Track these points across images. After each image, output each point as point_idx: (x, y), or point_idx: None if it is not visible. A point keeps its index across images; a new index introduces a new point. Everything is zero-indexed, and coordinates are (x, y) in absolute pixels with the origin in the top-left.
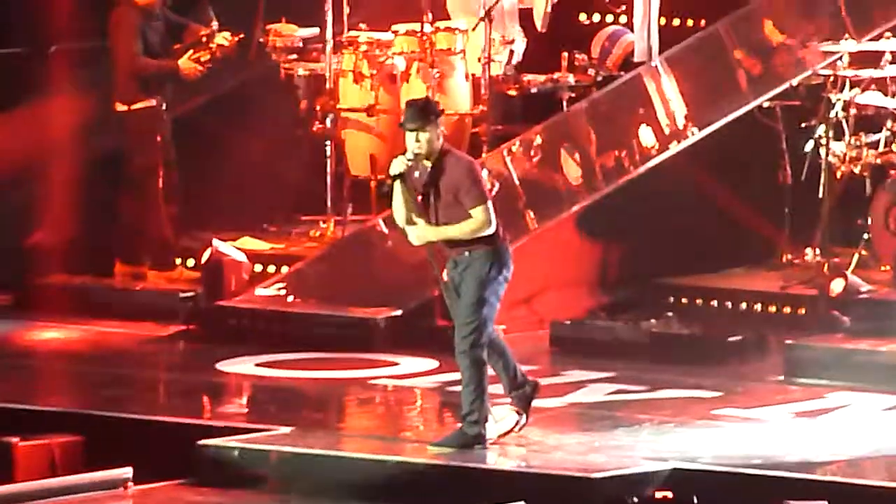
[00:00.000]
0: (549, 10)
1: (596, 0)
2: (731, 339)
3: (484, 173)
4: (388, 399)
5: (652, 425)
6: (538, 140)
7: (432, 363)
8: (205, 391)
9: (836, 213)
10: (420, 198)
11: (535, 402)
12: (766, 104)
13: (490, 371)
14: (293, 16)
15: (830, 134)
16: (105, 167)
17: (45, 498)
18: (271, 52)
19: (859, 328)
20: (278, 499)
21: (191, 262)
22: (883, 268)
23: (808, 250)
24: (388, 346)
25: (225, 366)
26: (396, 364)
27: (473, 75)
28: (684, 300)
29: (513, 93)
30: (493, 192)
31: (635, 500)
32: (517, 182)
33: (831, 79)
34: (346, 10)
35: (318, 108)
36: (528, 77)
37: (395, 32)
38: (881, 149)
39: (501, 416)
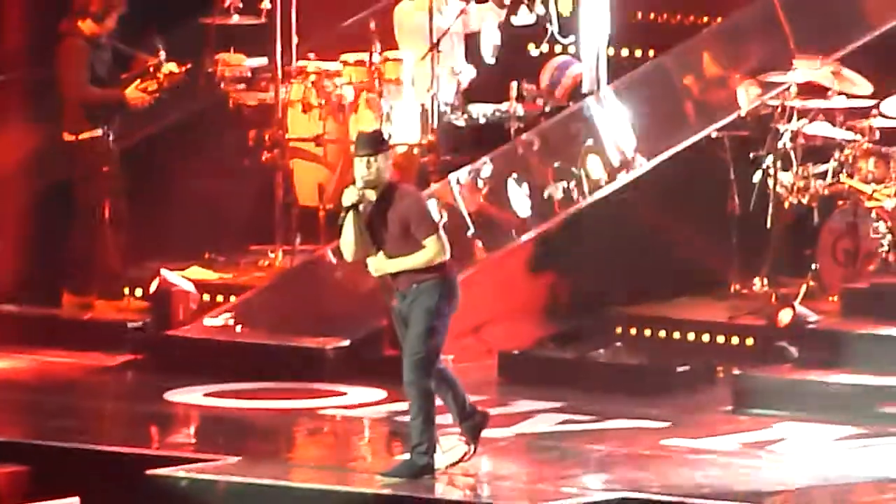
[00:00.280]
0: (498, 42)
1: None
2: (679, 369)
3: (433, 203)
4: (336, 429)
5: (600, 455)
6: (486, 170)
7: (381, 393)
8: (153, 421)
9: (783, 244)
10: (369, 231)
11: (484, 433)
12: (714, 134)
13: (439, 401)
14: (241, 45)
15: (778, 164)
16: (53, 197)
17: None
18: (220, 81)
19: (807, 359)
20: None
21: (139, 292)
22: (831, 298)
23: (756, 280)
24: (336, 375)
25: (173, 396)
26: (345, 394)
27: (422, 105)
28: (632, 330)
29: (461, 123)
30: (442, 223)
31: None
32: (465, 212)
33: (779, 109)
34: (295, 39)
35: (266, 137)
36: (475, 107)
37: (344, 62)
38: (829, 179)
39: (450, 446)
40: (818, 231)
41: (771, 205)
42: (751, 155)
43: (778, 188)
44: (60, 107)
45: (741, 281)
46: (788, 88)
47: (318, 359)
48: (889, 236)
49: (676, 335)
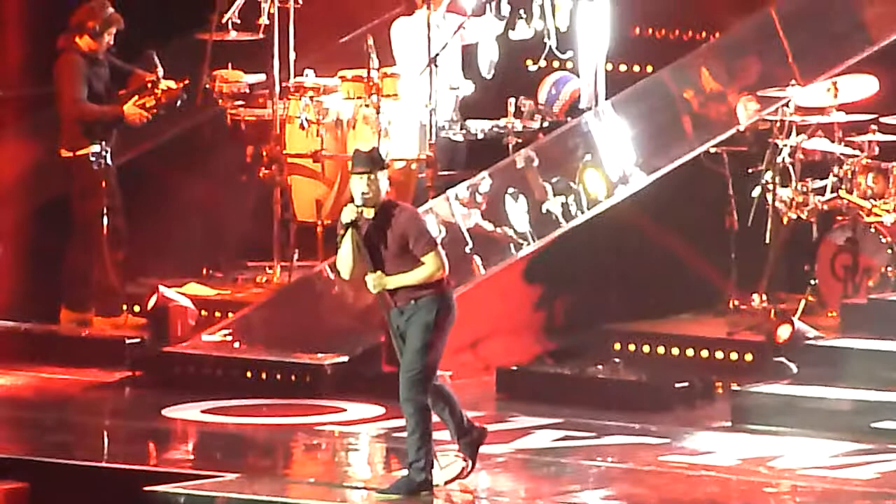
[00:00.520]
0: (495, 57)
1: None
2: (677, 385)
3: (431, 219)
4: (334, 445)
5: (599, 471)
6: (484, 186)
7: (379, 409)
8: (151, 437)
9: (782, 259)
10: (367, 249)
11: (482, 449)
12: (712, 149)
13: (436, 418)
14: (239, 62)
15: (777, 179)
16: (51, 213)
17: None
18: (218, 97)
19: (806, 374)
20: None
21: (137, 309)
22: (830, 314)
23: (755, 296)
24: (334, 392)
25: (171, 412)
26: (343, 410)
27: (420, 121)
28: (631, 346)
29: (459, 139)
30: (440, 238)
31: None
32: (463, 228)
33: (778, 124)
34: (293, 55)
35: (264, 153)
36: (473, 123)
37: (342, 78)
38: (828, 195)
39: (448, 462)
40: (817, 246)
41: (770, 220)
42: (749, 170)
43: (777, 203)
44: (58, 123)
45: (740, 296)
46: (787, 104)
47: (316, 375)
48: (888, 252)
49: (675, 351)
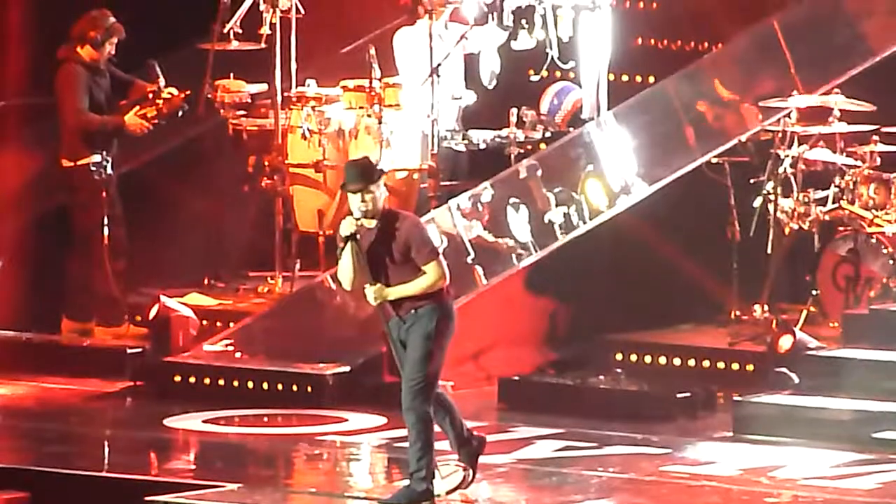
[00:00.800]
0: (497, 67)
1: None
2: (679, 395)
3: (433, 229)
4: (336, 455)
5: (600, 482)
6: (486, 196)
7: (380, 419)
8: (152, 447)
9: (784, 270)
10: (368, 259)
11: (484, 459)
12: (714, 160)
13: (436, 427)
14: (241, 71)
15: (779, 190)
16: (52, 223)
17: None
18: (219, 107)
19: (808, 385)
20: None
21: (138, 318)
22: (831, 324)
23: (757, 307)
24: (336, 402)
25: (172, 422)
26: (345, 420)
27: (422, 131)
28: (632, 356)
29: (461, 149)
30: (442, 248)
31: None
32: (465, 238)
33: (780, 135)
34: (295, 65)
35: (266, 163)
36: (475, 133)
37: (344, 88)
38: (829, 205)
39: (448, 472)
40: (819, 257)
41: (771, 230)
42: (751, 180)
43: (778, 214)
44: (59, 133)
45: (741, 307)
46: (789, 114)
47: (318, 385)
48: (890, 262)
49: (676, 361)
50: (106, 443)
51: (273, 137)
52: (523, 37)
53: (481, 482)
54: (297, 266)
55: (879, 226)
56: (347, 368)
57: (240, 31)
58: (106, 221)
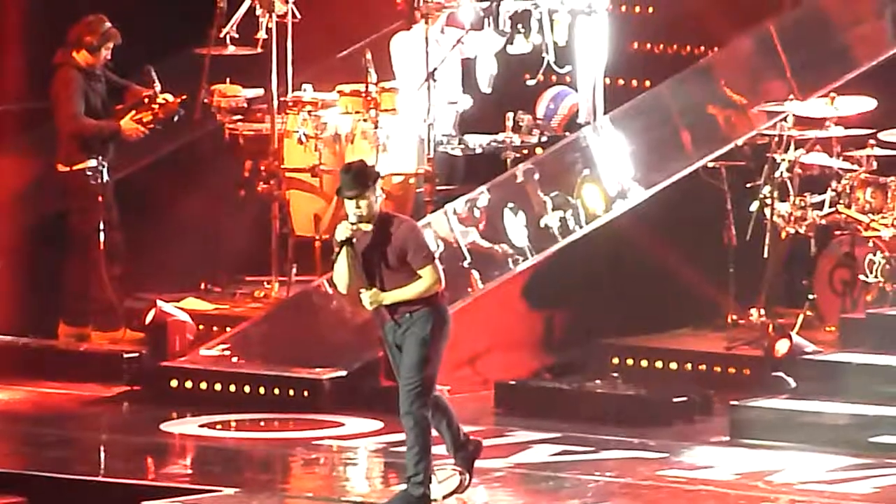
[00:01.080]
0: (494, 71)
1: None
2: (675, 399)
3: (429, 234)
4: (332, 460)
5: (597, 486)
6: (483, 200)
7: (377, 424)
8: (149, 452)
9: (780, 274)
10: (363, 263)
11: (481, 463)
12: (711, 164)
13: (433, 432)
14: (237, 76)
15: (775, 194)
16: (48, 228)
17: None
18: (216, 112)
19: (804, 389)
20: None
21: (135, 323)
22: (828, 328)
23: (753, 311)
24: (332, 406)
25: (169, 426)
26: (341, 425)
27: (419, 136)
28: (629, 361)
29: (457, 153)
30: (438, 253)
31: None
32: (461, 243)
33: (776, 139)
34: (291, 70)
35: (262, 168)
36: (471, 137)
37: (340, 93)
38: (826, 209)
39: (445, 476)
40: (815, 261)
41: (768, 235)
42: (748, 185)
43: (775, 218)
44: (55, 138)
45: (738, 311)
46: (785, 118)
47: (315, 389)
48: (886, 266)
49: (673, 365)
50: (103, 447)
51: (269, 142)
52: (519, 41)
53: (478, 486)
54: (294, 271)
55: (876, 230)
56: (344, 373)
57: (236, 35)
58: (102, 226)
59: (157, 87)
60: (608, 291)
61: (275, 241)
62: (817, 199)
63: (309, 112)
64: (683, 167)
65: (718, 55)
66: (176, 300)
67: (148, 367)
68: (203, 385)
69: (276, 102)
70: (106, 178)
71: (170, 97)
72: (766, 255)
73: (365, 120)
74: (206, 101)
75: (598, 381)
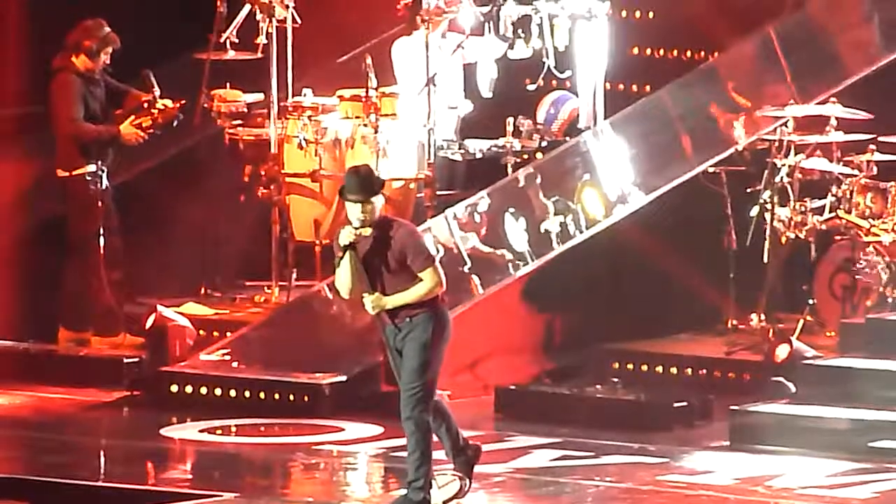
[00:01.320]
0: (495, 76)
1: None
2: (676, 404)
3: (429, 239)
4: (333, 465)
5: (597, 491)
6: (483, 205)
7: (377, 429)
8: (149, 457)
9: (781, 279)
10: (364, 267)
11: (481, 468)
12: (711, 169)
13: (433, 436)
14: (238, 81)
15: (775, 199)
16: (48, 233)
17: None
18: (216, 117)
19: (804, 394)
20: None
21: (135, 328)
22: (828, 333)
23: (753, 316)
24: (332, 411)
25: (169, 431)
26: (341, 430)
27: (419, 141)
28: (629, 366)
29: (457, 158)
30: (438, 257)
31: None
32: (462, 247)
33: (776, 144)
34: (291, 75)
35: (262, 173)
36: (472, 142)
37: (341, 97)
38: (826, 214)
39: (445, 481)
40: (815, 266)
41: (768, 240)
42: (748, 189)
43: (775, 223)
44: (54, 142)
45: (738, 316)
46: (786, 123)
47: (315, 394)
48: (887, 271)
49: (673, 370)
50: (103, 452)
51: (269, 147)
52: (520, 46)
53: (478, 491)
54: (294, 276)
55: (876, 235)
56: (344, 378)
57: (236, 40)
58: (102, 231)
59: (157, 91)
60: (608, 296)
61: (275, 245)
62: (817, 203)
63: (309, 117)
64: (683, 172)
65: (718, 60)
66: (176, 305)
67: (148, 371)
68: (203, 390)
69: (276, 107)
70: (105, 182)
71: (169, 102)
72: (766, 260)
73: (365, 125)
74: (206, 105)
75: (598, 386)
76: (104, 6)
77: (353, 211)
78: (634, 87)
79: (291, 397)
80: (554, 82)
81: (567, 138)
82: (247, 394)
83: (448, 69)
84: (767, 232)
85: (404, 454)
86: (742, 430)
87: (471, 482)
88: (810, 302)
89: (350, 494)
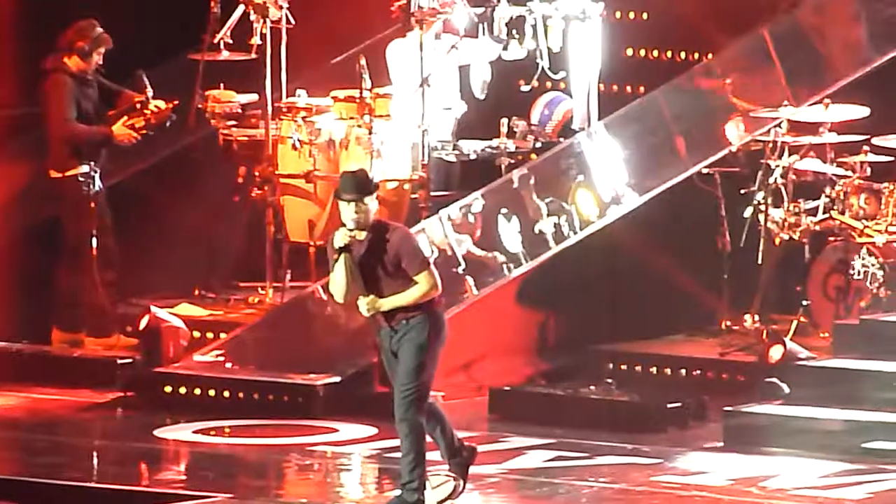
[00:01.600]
0: (488, 78)
1: None
2: (670, 405)
3: (423, 240)
4: (326, 466)
5: (592, 492)
6: (477, 206)
7: (371, 430)
8: (143, 458)
9: (774, 280)
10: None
11: (475, 469)
12: (705, 170)
13: (427, 438)
14: (232, 82)
15: (769, 200)
16: (41, 234)
17: None
18: (210, 118)
19: (798, 395)
20: None
21: (129, 329)
22: (822, 334)
23: (747, 317)
24: (326, 412)
25: (163, 432)
26: (335, 431)
27: (413, 142)
28: (623, 367)
29: (451, 159)
30: (433, 259)
31: None
32: (456, 248)
33: (770, 145)
34: (285, 76)
35: (256, 174)
36: (466, 143)
37: (335, 98)
38: (820, 215)
39: (439, 482)
40: (809, 267)
41: (762, 241)
42: (742, 191)
43: (769, 224)
44: (47, 143)
45: (732, 317)
46: (780, 124)
47: (309, 395)
48: (880, 272)
49: (667, 371)
50: (96, 453)
51: (263, 148)
52: (514, 47)
53: (472, 492)
54: (288, 277)
55: (870, 236)
56: (338, 379)
57: (230, 41)
58: (95, 232)
59: (150, 92)
60: (602, 297)
61: (269, 246)
62: (811, 205)
63: (303, 118)
64: (677, 173)
65: (712, 61)
66: (170, 306)
67: (142, 372)
68: (197, 391)
69: (270, 108)
70: (98, 183)
71: (162, 103)
72: (760, 262)
73: (359, 126)
74: (200, 106)
75: (592, 387)
76: (97, 6)
77: (348, 211)
78: (628, 89)
79: (285, 398)
80: (548, 83)
81: (561, 139)
82: (240, 395)
83: (443, 70)
84: (761, 233)
85: (398, 455)
86: (736, 431)
87: (465, 483)
88: (804, 303)
89: (344, 495)
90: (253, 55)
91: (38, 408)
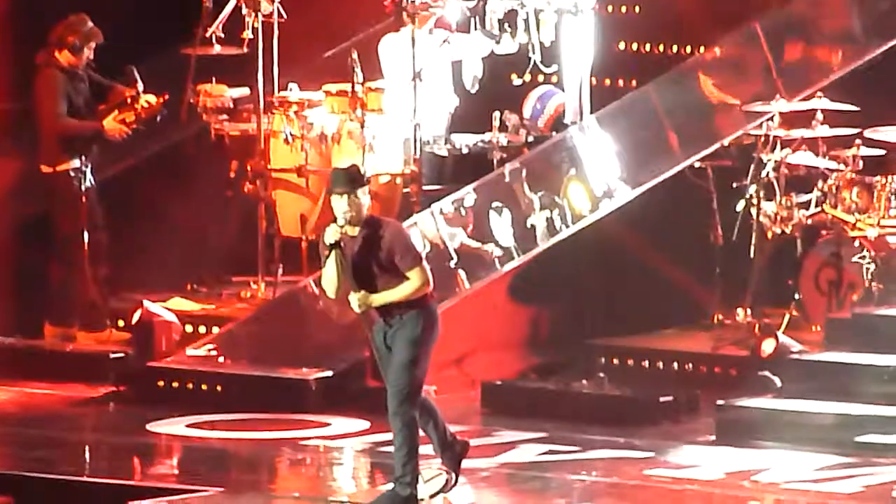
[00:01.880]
0: (479, 72)
1: None
2: (662, 399)
3: (416, 234)
4: (319, 460)
5: (584, 486)
6: (469, 200)
7: (363, 424)
8: (135, 452)
9: (767, 274)
10: (353, 266)
11: (467, 463)
12: (697, 164)
13: (420, 432)
14: (224, 76)
15: (762, 194)
16: (32, 229)
17: None
18: (202, 112)
19: (790, 389)
20: None
21: (121, 323)
22: (814, 328)
23: (739, 311)
24: (319, 406)
25: (155, 427)
26: (328, 425)
27: (405, 136)
28: (615, 361)
29: (443, 153)
30: (425, 253)
31: None
32: (448, 242)
33: (763, 139)
34: (277, 70)
35: (248, 168)
36: (458, 137)
37: (327, 93)
38: (812, 209)
39: (431, 475)
40: (801, 261)
41: (754, 235)
42: (734, 185)
43: (761, 218)
44: (37, 139)
45: (724, 311)
46: (772, 118)
47: (301, 390)
48: (872, 266)
49: (660, 365)
50: (89, 447)
51: (255, 142)
52: (506, 41)
53: (464, 486)
54: (280, 271)
55: (862, 229)
56: (330, 373)
57: (222, 35)
58: (86, 227)
59: (140, 86)
60: (595, 291)
61: (261, 241)
62: (803, 198)
63: (295, 112)
64: (670, 167)
65: (705, 55)
66: (162, 300)
67: (134, 367)
68: (189, 385)
69: (262, 102)
70: (90, 178)
71: (152, 98)
72: (752, 255)
73: (351, 120)
74: (191, 101)
75: (584, 381)
76: (88, 1)
77: (339, 205)
78: (621, 82)
79: (278, 392)
80: (540, 77)
81: (553, 133)
82: (233, 389)
83: (436, 65)
84: (753, 227)
85: (391, 449)
86: (728, 425)
87: (458, 477)
88: (796, 297)
89: (336, 489)
90: (245, 49)
91: (30, 402)
